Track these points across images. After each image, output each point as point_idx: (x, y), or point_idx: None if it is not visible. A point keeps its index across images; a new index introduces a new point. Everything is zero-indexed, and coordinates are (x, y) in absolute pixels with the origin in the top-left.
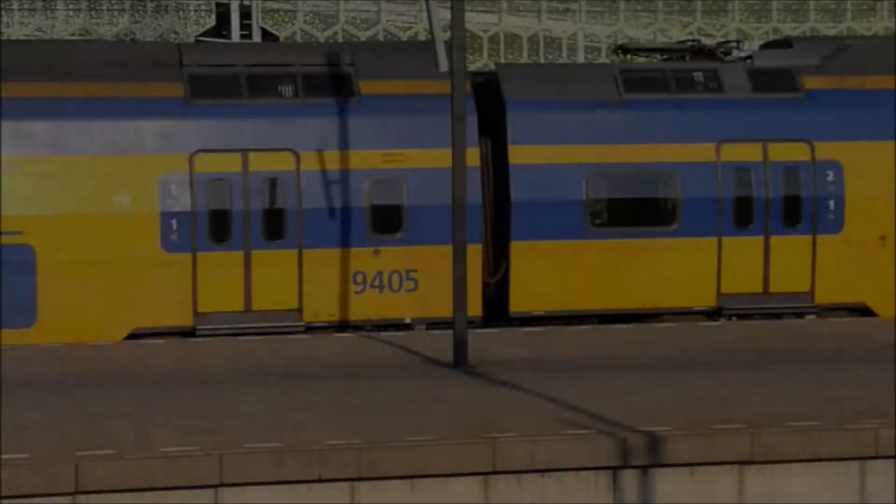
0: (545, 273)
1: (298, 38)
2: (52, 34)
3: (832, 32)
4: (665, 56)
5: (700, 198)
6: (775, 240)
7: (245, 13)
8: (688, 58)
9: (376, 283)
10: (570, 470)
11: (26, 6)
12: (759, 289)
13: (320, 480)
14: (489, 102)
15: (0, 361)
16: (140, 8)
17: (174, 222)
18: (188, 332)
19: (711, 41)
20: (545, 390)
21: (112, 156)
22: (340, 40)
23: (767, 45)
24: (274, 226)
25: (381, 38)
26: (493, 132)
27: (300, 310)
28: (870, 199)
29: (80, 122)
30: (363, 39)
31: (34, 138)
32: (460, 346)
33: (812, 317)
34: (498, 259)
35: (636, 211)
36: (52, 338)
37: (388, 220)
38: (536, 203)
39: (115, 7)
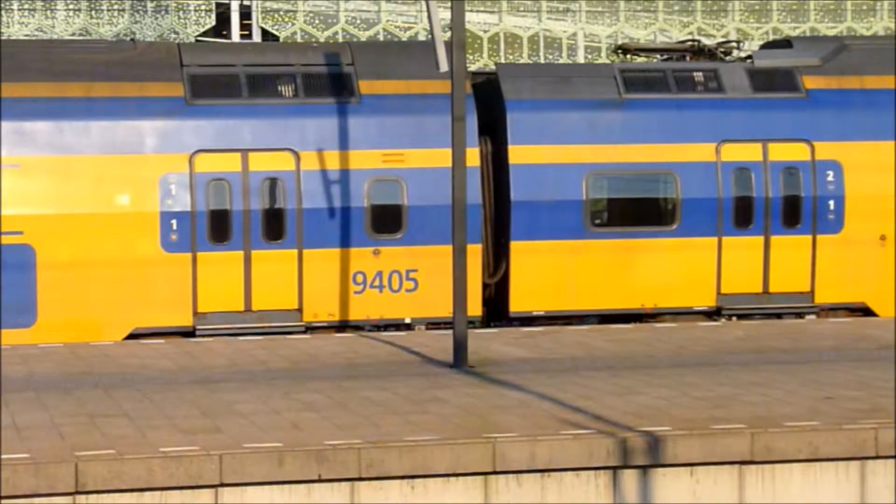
0: (545, 273)
1: (298, 38)
2: (52, 34)
3: (832, 32)
4: (665, 56)
5: (700, 198)
6: (775, 240)
7: (245, 13)
8: (688, 58)
9: (376, 283)
10: (570, 470)
11: (26, 6)
12: (759, 289)
13: (320, 480)
14: (489, 102)
15: (0, 361)
16: (140, 8)
17: (174, 222)
18: (188, 332)
19: (711, 41)
20: (545, 390)
21: (112, 156)
22: (340, 40)
23: (767, 45)
24: (274, 226)
25: (381, 38)
26: (493, 132)
27: (300, 310)
28: (870, 199)
29: (80, 122)
30: (363, 39)
31: (34, 138)
32: (460, 346)
33: (812, 317)
34: (498, 259)
35: (636, 211)
36: (53, 338)
37: (388, 220)
38: (536, 203)
39: (115, 7)
